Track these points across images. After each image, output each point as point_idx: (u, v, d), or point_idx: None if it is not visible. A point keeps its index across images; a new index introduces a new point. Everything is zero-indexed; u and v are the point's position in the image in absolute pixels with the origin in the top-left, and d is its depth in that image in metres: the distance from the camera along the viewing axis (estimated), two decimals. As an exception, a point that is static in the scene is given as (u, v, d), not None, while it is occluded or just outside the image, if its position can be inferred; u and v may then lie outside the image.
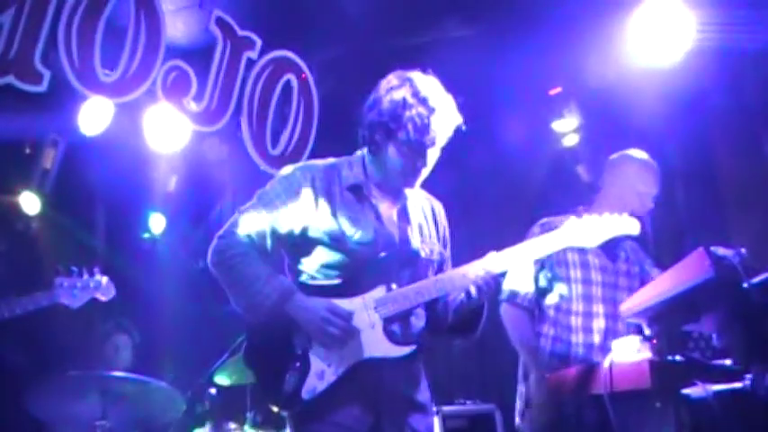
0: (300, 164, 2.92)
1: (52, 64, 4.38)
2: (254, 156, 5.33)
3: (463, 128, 2.75)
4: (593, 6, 4.86)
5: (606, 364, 2.83)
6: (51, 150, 5.70)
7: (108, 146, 5.29)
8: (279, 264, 2.83)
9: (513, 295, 3.72)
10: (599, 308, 3.65)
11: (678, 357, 2.75)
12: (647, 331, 2.86)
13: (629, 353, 2.82)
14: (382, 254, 2.70)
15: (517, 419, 3.75)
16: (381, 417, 2.66)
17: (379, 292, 2.66)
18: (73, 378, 4.05)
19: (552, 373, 3.40)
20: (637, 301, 2.92)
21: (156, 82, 4.82)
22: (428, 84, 2.72)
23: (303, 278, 2.76)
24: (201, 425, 4.83)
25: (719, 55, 4.71)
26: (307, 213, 2.72)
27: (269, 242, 2.72)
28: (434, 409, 4.78)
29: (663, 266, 3.41)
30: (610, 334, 3.54)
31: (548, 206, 3.88)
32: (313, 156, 3.59)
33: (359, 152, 2.89)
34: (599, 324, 3.62)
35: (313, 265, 2.75)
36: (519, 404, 3.74)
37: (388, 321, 2.66)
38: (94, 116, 4.94)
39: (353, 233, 2.71)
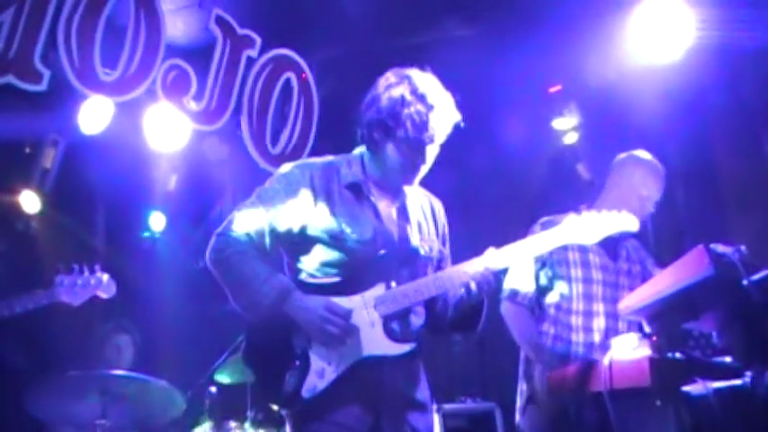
0: (299, 162, 2.92)
1: (52, 63, 4.39)
2: (254, 154, 5.33)
3: (462, 125, 2.75)
4: (593, 5, 4.86)
5: (606, 361, 2.83)
6: (51, 150, 5.70)
7: (108, 145, 5.30)
8: (278, 262, 2.83)
9: (514, 294, 3.72)
10: (599, 307, 3.64)
11: (678, 355, 2.75)
12: (647, 329, 2.86)
13: (627, 350, 2.82)
14: (381, 252, 2.70)
15: (517, 417, 3.75)
16: (381, 416, 2.66)
17: (379, 290, 2.66)
18: (73, 378, 4.04)
19: (552, 371, 3.40)
20: (635, 298, 2.92)
21: (155, 81, 4.83)
22: (426, 81, 2.72)
23: (302, 276, 2.76)
24: (202, 424, 4.83)
25: (719, 53, 4.70)
26: (305, 211, 2.72)
27: (268, 240, 2.72)
28: (435, 407, 4.80)
29: (663, 266, 3.41)
30: (610, 333, 3.53)
31: (548, 205, 3.88)
32: (313, 154, 3.59)
33: (357, 150, 2.89)
34: (599, 323, 3.62)
35: (312, 263, 2.74)
36: (519, 402, 3.74)
37: (387, 319, 2.65)
38: (94, 115, 4.94)
39: (352, 231, 2.71)
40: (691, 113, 5.01)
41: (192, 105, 5.07)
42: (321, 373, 2.62)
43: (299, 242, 2.75)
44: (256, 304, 2.64)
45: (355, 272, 2.68)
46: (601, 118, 5.58)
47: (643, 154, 3.83)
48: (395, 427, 2.68)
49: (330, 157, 2.90)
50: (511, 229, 2.77)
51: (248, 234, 2.69)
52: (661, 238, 4.39)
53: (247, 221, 2.71)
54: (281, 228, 2.72)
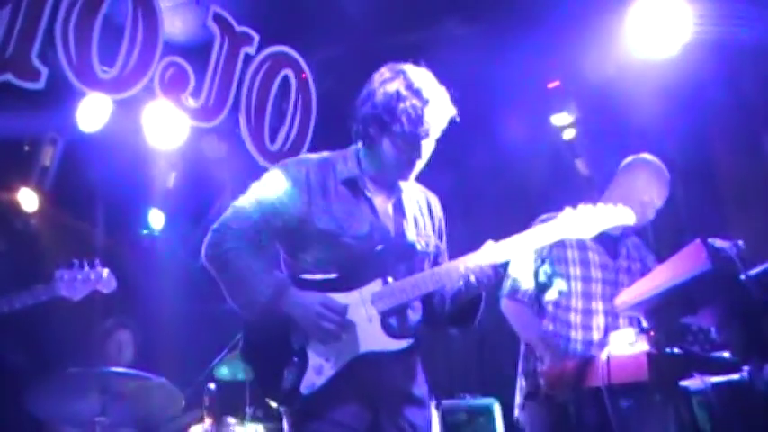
0: (295, 158, 2.92)
1: (50, 61, 4.38)
2: (252, 152, 5.32)
3: (457, 119, 2.75)
4: (592, 0, 4.86)
5: (603, 356, 2.84)
6: (50, 148, 5.69)
7: (106, 143, 5.30)
8: (274, 258, 2.83)
9: (514, 291, 3.72)
10: (598, 305, 3.65)
11: (676, 350, 2.75)
12: (645, 324, 2.87)
13: (625, 345, 2.83)
14: (378, 247, 2.70)
15: (517, 413, 3.75)
16: (379, 412, 2.66)
17: (376, 285, 2.66)
18: (72, 375, 4.04)
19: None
20: (633, 293, 2.92)
21: (153, 78, 4.82)
22: (421, 76, 2.72)
23: (299, 272, 2.75)
24: (201, 420, 4.83)
25: (717, 49, 4.71)
26: (302, 207, 2.72)
27: (263, 236, 2.71)
28: (434, 403, 4.80)
29: (663, 262, 3.42)
30: (610, 331, 3.52)
31: (548, 203, 3.88)
32: (312, 151, 3.59)
33: (353, 146, 2.89)
34: (598, 321, 3.63)
35: (309, 259, 2.74)
36: (518, 398, 3.74)
37: (385, 315, 2.64)
38: (93, 113, 4.95)
39: (349, 227, 2.71)
40: (689, 109, 5.01)
41: (191, 102, 5.06)
42: (319, 369, 2.61)
43: (296, 238, 2.75)
44: (252, 300, 2.63)
45: (352, 268, 2.67)
46: (599, 113, 5.57)
47: (649, 159, 3.82)
48: (393, 423, 2.68)
49: (326, 153, 2.90)
50: (511, 227, 2.76)
51: (244, 230, 2.68)
52: (660, 235, 4.39)
53: (243, 217, 2.70)
54: (277, 224, 2.72)
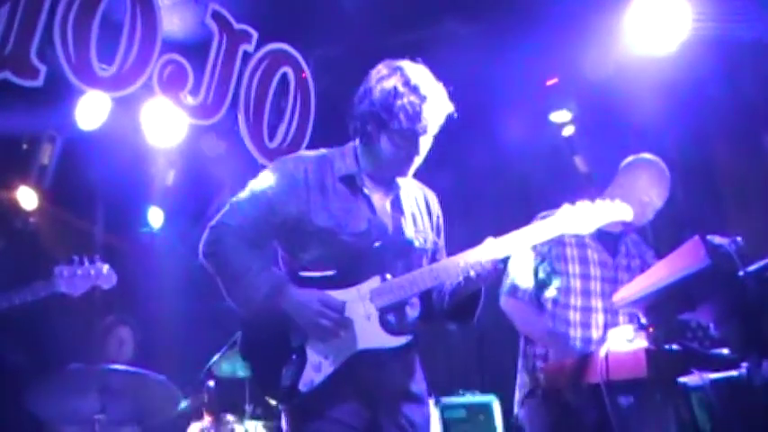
0: (292, 155, 2.92)
1: (48, 59, 4.37)
2: (251, 149, 5.32)
3: (455, 115, 2.74)
4: (591, -3, 4.87)
5: (602, 353, 2.84)
6: (49, 146, 5.69)
7: (105, 141, 5.30)
8: (272, 255, 2.83)
9: (515, 289, 3.71)
10: (598, 303, 3.65)
11: (675, 346, 2.75)
12: (644, 320, 2.87)
13: (623, 342, 2.83)
14: (376, 244, 2.70)
15: (516, 409, 3.75)
16: (378, 409, 2.66)
17: (374, 282, 2.65)
18: (72, 373, 4.04)
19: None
20: (632, 290, 2.92)
21: (152, 76, 4.82)
22: (418, 72, 2.72)
23: (297, 270, 2.75)
24: (200, 418, 4.84)
25: (716, 45, 4.71)
26: (299, 204, 2.72)
27: (261, 233, 2.71)
28: (433, 400, 4.80)
29: (662, 259, 3.42)
30: (609, 328, 3.52)
31: (547, 200, 3.88)
32: (311, 149, 3.58)
33: (350, 143, 2.89)
34: (598, 319, 3.63)
35: (306, 256, 2.74)
36: (518, 394, 3.74)
37: (383, 312, 2.64)
38: (91, 111, 4.95)
39: (347, 224, 2.71)
40: (688, 106, 5.01)
41: (189, 100, 5.06)
42: (318, 366, 2.61)
43: (293, 235, 2.75)
44: (249, 298, 2.63)
45: (350, 264, 2.67)
46: (598, 111, 5.57)
47: (650, 158, 3.81)
48: (392, 420, 2.68)
49: (323, 150, 2.90)
50: (511, 225, 2.76)
51: (241, 227, 2.68)
52: (660, 232, 4.39)
53: (240, 214, 2.70)
54: (275, 221, 2.72)
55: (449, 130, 2.79)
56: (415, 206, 2.91)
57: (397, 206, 2.84)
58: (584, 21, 4.92)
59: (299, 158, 2.86)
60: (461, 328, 2.96)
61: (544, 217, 3.55)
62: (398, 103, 2.65)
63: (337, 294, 2.64)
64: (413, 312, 2.77)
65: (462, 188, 6.00)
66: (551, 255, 3.67)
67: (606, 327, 3.57)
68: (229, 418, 4.78)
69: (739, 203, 5.10)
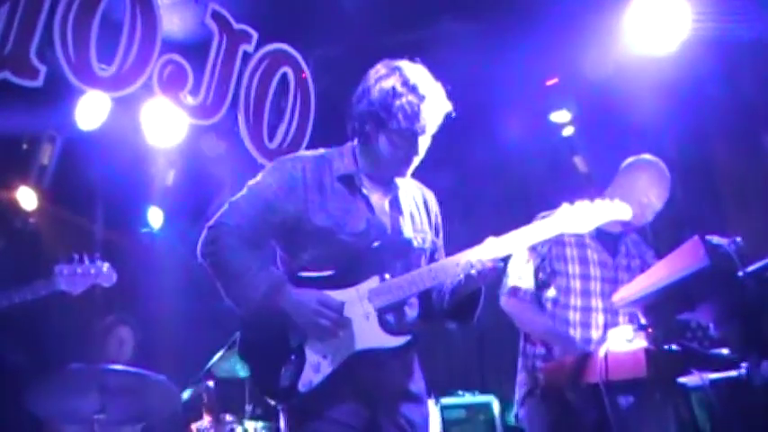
0: (291, 155, 2.92)
1: (48, 59, 4.37)
2: (251, 149, 5.32)
3: (453, 115, 2.74)
4: (590, -3, 4.87)
5: (601, 353, 2.84)
6: (48, 146, 5.70)
7: (105, 141, 5.30)
8: (270, 255, 2.83)
9: (515, 290, 3.71)
10: (598, 302, 3.64)
11: (674, 346, 2.75)
12: (643, 320, 2.87)
13: (623, 342, 2.83)
14: (375, 244, 2.69)
15: (516, 409, 3.75)
16: (377, 409, 2.66)
17: (373, 282, 2.65)
18: (71, 372, 4.03)
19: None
20: (631, 290, 2.92)
21: (152, 76, 4.81)
22: (417, 72, 2.72)
23: (295, 270, 2.75)
24: (200, 418, 4.84)
25: (716, 45, 4.70)
26: (298, 204, 2.72)
27: (260, 233, 2.71)
28: (433, 400, 4.80)
29: (662, 259, 3.42)
30: (609, 328, 3.53)
31: (547, 200, 3.88)
32: (310, 149, 3.57)
33: (349, 143, 2.89)
34: (598, 319, 3.62)
35: (305, 256, 2.74)
36: (518, 394, 3.74)
37: (382, 312, 2.64)
38: (91, 111, 4.95)
39: (345, 224, 2.70)
40: (688, 106, 5.01)
41: (189, 100, 5.06)
42: (317, 366, 2.61)
43: (292, 235, 2.74)
44: (248, 297, 2.63)
45: (349, 264, 2.67)
46: (598, 111, 5.58)
47: (651, 159, 3.81)
48: (391, 420, 2.68)
49: (322, 150, 2.90)
50: (511, 225, 2.76)
51: (240, 227, 2.68)
52: (659, 232, 4.39)
53: (239, 214, 2.70)
54: (273, 220, 2.72)
55: (449, 130, 2.79)
56: (414, 206, 2.90)
57: (395, 206, 2.84)
58: (584, 21, 4.92)
59: (298, 158, 2.85)
60: (461, 328, 2.95)
61: (544, 217, 3.56)
62: (397, 102, 2.65)
63: (336, 294, 2.63)
64: (411, 312, 2.77)
65: (462, 188, 6.00)
66: (551, 255, 3.67)
67: (606, 327, 3.56)
68: (229, 418, 4.77)
69: (739, 203, 5.10)
